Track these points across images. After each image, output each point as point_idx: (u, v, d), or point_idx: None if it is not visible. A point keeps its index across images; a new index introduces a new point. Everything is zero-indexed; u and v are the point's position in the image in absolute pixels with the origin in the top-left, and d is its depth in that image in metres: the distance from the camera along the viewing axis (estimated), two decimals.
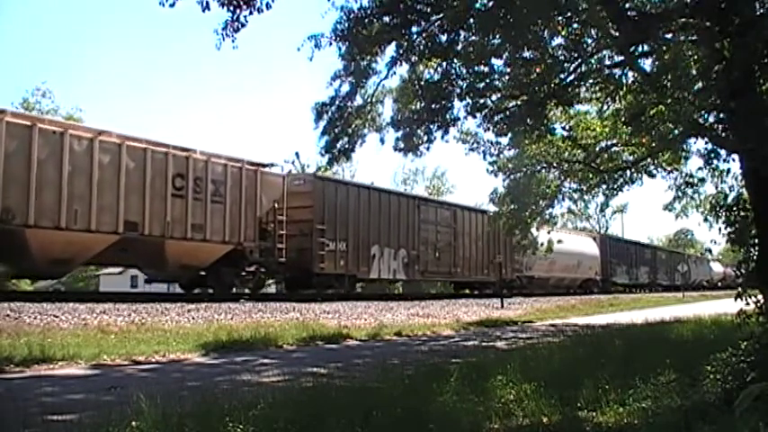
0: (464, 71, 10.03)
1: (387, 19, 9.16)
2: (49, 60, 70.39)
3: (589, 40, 10.23)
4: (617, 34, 8.70)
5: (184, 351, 8.31)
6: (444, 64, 10.05)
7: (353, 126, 11.04)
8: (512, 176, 15.54)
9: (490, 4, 8.76)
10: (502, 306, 20.13)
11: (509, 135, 12.21)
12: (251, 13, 7.49)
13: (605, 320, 14.17)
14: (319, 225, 19.28)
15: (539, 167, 15.25)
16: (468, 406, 4.44)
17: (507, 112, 10.91)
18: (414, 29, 9.37)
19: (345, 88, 10.66)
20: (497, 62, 10.09)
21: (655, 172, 15.18)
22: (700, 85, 8.58)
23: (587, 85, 11.58)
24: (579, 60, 10.44)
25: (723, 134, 7.99)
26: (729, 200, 6.28)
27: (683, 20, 7.89)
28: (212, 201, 16.05)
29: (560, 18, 9.39)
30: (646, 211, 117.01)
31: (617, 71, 10.75)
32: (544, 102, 10.43)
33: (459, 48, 9.63)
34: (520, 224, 16.98)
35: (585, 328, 11.67)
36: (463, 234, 26.10)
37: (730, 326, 7.54)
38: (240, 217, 16.75)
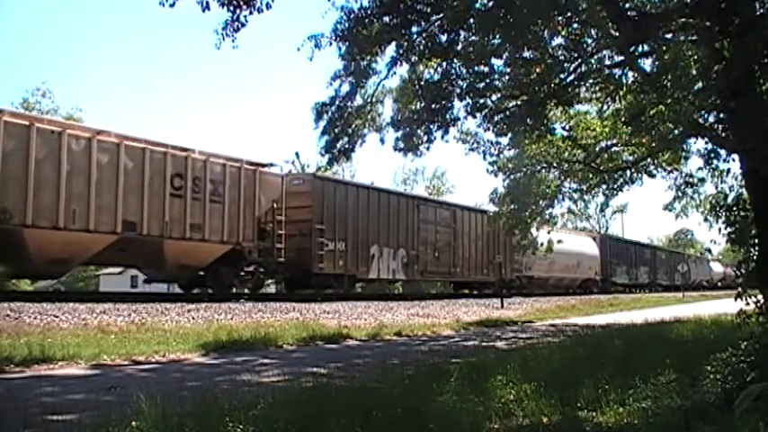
0: (464, 71, 10.03)
1: (387, 19, 9.15)
2: (49, 60, 70.49)
3: (589, 40, 10.23)
4: (617, 34, 8.70)
5: (184, 351, 8.30)
6: (444, 64, 10.04)
7: (353, 126, 11.04)
8: (512, 176, 15.53)
9: (490, 4, 8.76)
10: (502, 306, 20.13)
11: (509, 135, 12.21)
12: (251, 12, 7.49)
13: (605, 320, 14.17)
14: (318, 225, 19.27)
15: (539, 167, 15.25)
16: (468, 406, 4.44)
17: (507, 112, 10.91)
18: (414, 29, 9.37)
19: (345, 88, 10.68)
20: (497, 62, 10.11)
21: (655, 172, 15.19)
22: (700, 85, 8.57)
23: (587, 85, 11.58)
24: (579, 60, 10.44)
25: (723, 134, 7.99)
26: (729, 200, 6.29)
27: (683, 20, 7.89)
28: (211, 200, 16.04)
29: (560, 18, 9.39)
30: (646, 211, 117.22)
31: (617, 71, 10.76)
32: (544, 102, 10.44)
33: (459, 48, 9.63)
34: (520, 224, 16.97)
35: (585, 328, 11.67)
36: (463, 234, 26.10)
37: (730, 326, 7.54)
38: (239, 217, 16.74)
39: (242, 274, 17.62)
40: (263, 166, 17.92)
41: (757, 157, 6.29)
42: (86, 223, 13.53)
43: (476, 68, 9.98)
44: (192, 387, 5.45)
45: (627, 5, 8.90)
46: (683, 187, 15.47)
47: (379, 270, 21.90)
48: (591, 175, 15.31)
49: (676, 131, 10.63)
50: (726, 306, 8.85)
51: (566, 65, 10.42)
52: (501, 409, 4.49)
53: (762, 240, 5.90)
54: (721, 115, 8.01)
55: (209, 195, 15.97)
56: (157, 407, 3.79)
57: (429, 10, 9.15)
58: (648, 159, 14.47)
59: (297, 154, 46.20)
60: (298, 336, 10.16)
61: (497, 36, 8.97)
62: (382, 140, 11.89)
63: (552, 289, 32.98)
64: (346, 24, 9.19)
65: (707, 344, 6.89)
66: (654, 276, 45.63)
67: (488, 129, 11.63)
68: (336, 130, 10.86)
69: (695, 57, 8.66)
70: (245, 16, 7.52)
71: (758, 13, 7.05)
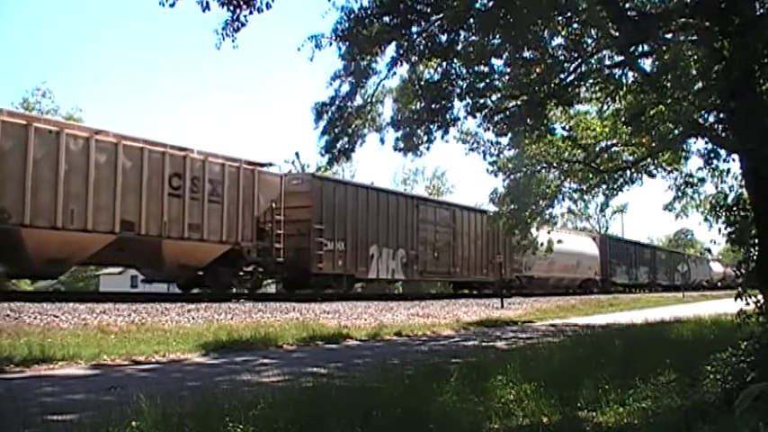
0: (464, 71, 10.02)
1: (387, 19, 9.15)
2: (49, 60, 70.48)
3: (589, 40, 10.23)
4: (617, 34, 8.70)
5: (184, 351, 8.30)
6: (444, 64, 10.04)
7: (353, 126, 11.03)
8: (512, 176, 15.54)
9: (490, 4, 8.76)
10: (502, 306, 20.14)
11: (509, 135, 12.21)
12: (251, 12, 7.49)
13: (605, 320, 14.18)
14: (317, 225, 19.27)
15: (539, 167, 15.25)
16: (468, 406, 4.44)
17: (507, 112, 10.91)
18: (414, 29, 9.36)
19: (345, 88, 10.68)
20: (497, 62, 10.11)
21: (655, 172, 15.19)
22: (700, 85, 8.58)
23: (587, 85, 11.58)
24: (579, 60, 10.44)
25: (723, 134, 8.00)
26: (729, 200, 6.30)
27: (683, 20, 7.89)
28: (209, 200, 16.03)
29: (560, 18, 9.39)
30: (646, 211, 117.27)
31: (617, 71, 10.75)
32: (544, 102, 10.43)
33: (459, 48, 9.62)
34: (520, 224, 16.98)
35: (585, 328, 11.68)
36: (462, 234, 26.09)
37: (730, 326, 7.54)
38: (238, 217, 16.72)
39: (241, 273, 17.62)
40: (262, 165, 17.91)
41: (757, 157, 6.30)
42: (84, 223, 13.51)
43: (476, 68, 9.98)
44: (192, 387, 5.45)
45: (627, 5, 8.90)
46: (683, 187, 15.46)
47: (379, 270, 21.89)
48: (591, 175, 15.32)
49: (676, 131, 10.63)
50: (726, 306, 8.85)
51: (566, 65, 10.42)
52: (501, 409, 4.49)
53: (762, 240, 5.91)
54: (721, 115, 8.02)
55: (207, 195, 15.96)
56: (157, 407, 3.79)
57: (429, 10, 9.15)
58: (648, 159, 14.48)
59: (297, 154, 46.27)
60: (298, 336, 10.16)
61: (497, 36, 8.97)
62: (382, 140, 11.91)
63: (552, 289, 32.99)
64: (346, 24, 9.19)
65: (707, 344, 6.89)
66: (654, 276, 45.66)
67: (488, 129, 11.64)
68: (336, 130, 10.86)
69: (695, 57, 8.67)
70: (245, 16, 7.52)
71: (758, 13, 7.06)
